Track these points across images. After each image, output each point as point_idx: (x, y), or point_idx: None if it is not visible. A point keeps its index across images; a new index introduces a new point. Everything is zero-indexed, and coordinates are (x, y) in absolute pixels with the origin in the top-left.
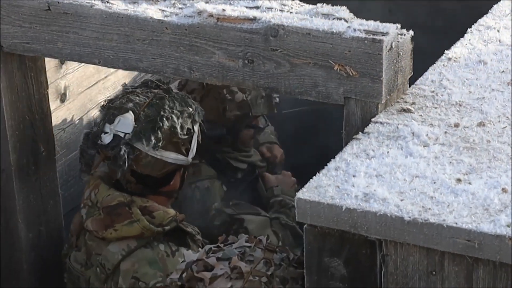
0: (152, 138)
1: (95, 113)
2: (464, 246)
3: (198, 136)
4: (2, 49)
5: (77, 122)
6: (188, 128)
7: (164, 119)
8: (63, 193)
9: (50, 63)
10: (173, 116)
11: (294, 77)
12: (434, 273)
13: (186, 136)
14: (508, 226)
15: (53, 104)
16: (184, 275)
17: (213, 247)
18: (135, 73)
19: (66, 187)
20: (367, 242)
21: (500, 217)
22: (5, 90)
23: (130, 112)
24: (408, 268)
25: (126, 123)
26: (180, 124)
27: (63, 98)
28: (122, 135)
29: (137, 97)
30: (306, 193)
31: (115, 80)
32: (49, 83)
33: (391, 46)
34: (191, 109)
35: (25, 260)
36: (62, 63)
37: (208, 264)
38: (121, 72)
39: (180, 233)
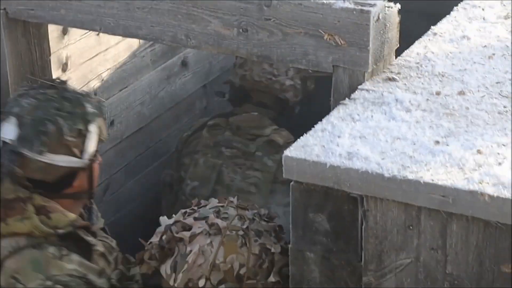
0: (37, 142)
1: (95, 83)
2: (439, 202)
3: (100, 135)
4: (7, 15)
5: None
6: (79, 129)
7: (48, 122)
8: None
9: (52, 33)
10: (59, 118)
11: (286, 45)
12: (411, 227)
13: (75, 138)
14: (480, 183)
15: (55, 73)
16: (164, 237)
17: (188, 210)
18: (135, 47)
19: None
20: (350, 198)
21: (474, 175)
22: (10, 55)
23: (12, 117)
24: (387, 222)
25: (9, 129)
26: (68, 125)
27: (64, 67)
28: (8, 141)
29: (25, 100)
30: (293, 151)
31: (115, 52)
32: (51, 52)
33: (378, 17)
34: (85, 109)
35: None
36: (64, 33)
37: (186, 224)
38: (121, 45)
39: (83, 242)
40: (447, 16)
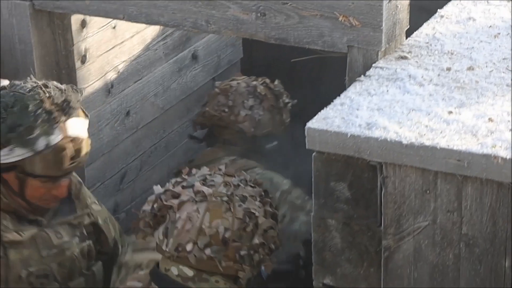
0: None
1: (111, 75)
2: (455, 166)
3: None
4: (33, 6)
5: (95, 83)
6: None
7: None
8: None
9: (72, 26)
10: None
11: (302, 28)
12: (428, 191)
13: None
14: (493, 147)
15: (76, 64)
16: (155, 205)
17: (178, 179)
18: (148, 40)
19: None
20: (369, 166)
21: (487, 141)
22: (36, 44)
23: None
24: (405, 188)
25: None
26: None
27: (83, 59)
28: None
29: None
30: (315, 123)
31: (130, 45)
32: None
33: None
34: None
35: None
36: (83, 26)
37: (175, 192)
38: (135, 39)
39: None
40: (452, 0)
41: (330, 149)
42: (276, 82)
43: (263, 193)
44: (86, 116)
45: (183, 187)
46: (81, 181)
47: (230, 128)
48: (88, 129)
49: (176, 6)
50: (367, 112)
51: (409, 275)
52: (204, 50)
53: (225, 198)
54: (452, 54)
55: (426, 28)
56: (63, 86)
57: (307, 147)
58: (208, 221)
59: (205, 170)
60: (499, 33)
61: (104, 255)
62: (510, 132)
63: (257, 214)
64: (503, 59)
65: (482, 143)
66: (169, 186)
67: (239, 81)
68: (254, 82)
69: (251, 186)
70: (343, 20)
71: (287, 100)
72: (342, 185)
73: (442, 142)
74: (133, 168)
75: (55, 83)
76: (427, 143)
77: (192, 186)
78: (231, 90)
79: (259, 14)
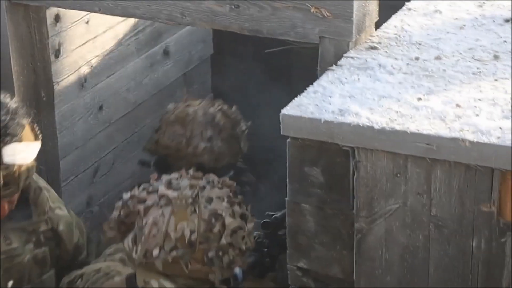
0: None
1: (85, 70)
2: (424, 149)
3: None
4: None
5: (69, 77)
6: None
7: None
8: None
9: (47, 21)
10: None
11: (275, 19)
12: (398, 175)
13: None
14: (461, 131)
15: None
16: (121, 211)
17: (143, 184)
18: (120, 35)
19: (59, 137)
20: (342, 152)
21: (455, 125)
22: (12, 37)
23: None
24: (377, 171)
25: None
26: None
27: (57, 54)
28: None
29: None
30: (289, 110)
31: (102, 40)
32: None
33: None
34: None
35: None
36: (56, 21)
37: (141, 198)
38: (108, 34)
39: None
40: None
41: (304, 135)
42: (234, 108)
43: (231, 194)
44: (36, 137)
45: (148, 192)
46: (42, 186)
47: (187, 160)
48: (59, 126)
49: None
50: (339, 99)
51: (380, 257)
52: (175, 46)
53: (190, 201)
54: (420, 44)
55: (395, 20)
56: (10, 106)
57: (281, 133)
58: (173, 224)
59: (175, 176)
60: (464, 25)
61: (64, 261)
62: (477, 117)
63: (223, 214)
64: (469, 49)
65: (450, 127)
66: (135, 191)
67: (195, 108)
68: (211, 109)
69: (218, 188)
70: (315, 11)
71: (244, 127)
72: (316, 170)
73: (412, 127)
74: (106, 162)
75: (5, 100)
76: (398, 128)
77: (157, 190)
78: (188, 119)
79: (233, 6)
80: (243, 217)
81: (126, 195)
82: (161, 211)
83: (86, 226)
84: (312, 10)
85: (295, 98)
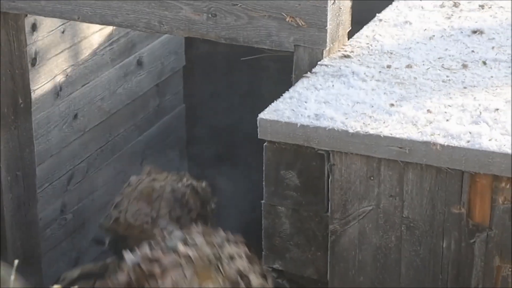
0: None
1: (60, 78)
2: (397, 153)
3: None
4: None
5: (45, 85)
6: None
7: None
8: None
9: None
10: None
11: (251, 28)
12: (372, 177)
13: None
14: (432, 135)
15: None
16: (131, 274)
17: (153, 242)
18: (95, 45)
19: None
20: (317, 155)
21: (426, 130)
22: None
23: None
24: (351, 174)
25: None
26: None
27: (34, 62)
28: None
29: None
30: (266, 114)
31: (78, 50)
32: None
33: (334, 1)
34: None
35: (5, 200)
36: (33, 30)
37: (155, 258)
38: (83, 43)
39: None
40: (390, 5)
41: (280, 138)
42: (204, 184)
43: (247, 251)
44: None
45: (163, 251)
46: None
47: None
48: (35, 133)
49: (129, 7)
50: (315, 105)
51: (354, 258)
52: (148, 57)
53: (212, 259)
54: (391, 53)
55: (366, 31)
56: None
57: (259, 137)
58: (197, 284)
59: (178, 232)
60: (433, 35)
61: None
62: (447, 122)
63: (248, 273)
64: (438, 58)
65: (422, 131)
66: (145, 250)
67: (162, 183)
68: (180, 185)
69: (235, 245)
70: (290, 20)
71: (213, 205)
72: (292, 173)
73: (385, 131)
74: (80, 170)
75: None
76: (371, 131)
77: (174, 249)
78: (154, 196)
79: (210, 15)
80: (263, 276)
81: (131, 257)
82: (183, 271)
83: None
84: (287, 19)
85: (272, 104)
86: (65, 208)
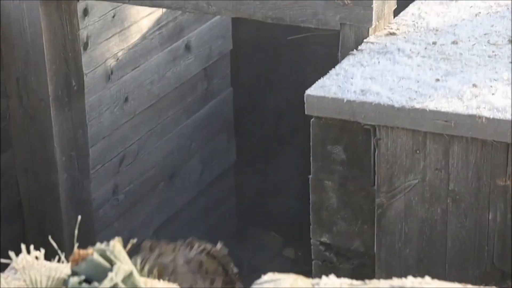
0: None
1: (111, 62)
2: (442, 126)
3: None
4: None
5: (97, 69)
6: None
7: None
8: None
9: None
10: None
11: (297, 7)
12: (418, 151)
13: None
14: (477, 108)
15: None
16: None
17: None
18: (144, 30)
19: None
20: (363, 130)
21: (472, 103)
22: (45, 29)
23: None
24: (397, 148)
25: None
26: None
27: (85, 46)
28: None
29: None
30: (313, 91)
31: (128, 34)
32: None
33: None
34: None
35: (60, 179)
36: (85, 15)
37: None
38: (133, 28)
39: None
40: None
41: (327, 114)
42: (218, 245)
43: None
44: None
45: None
46: None
47: None
48: (88, 115)
49: None
50: (360, 81)
51: (400, 231)
52: (196, 41)
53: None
54: (437, 30)
55: (412, 9)
56: None
57: (306, 113)
58: None
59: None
60: (480, 12)
61: None
62: (493, 95)
63: None
64: (484, 34)
65: (467, 105)
66: None
67: (171, 256)
68: (192, 253)
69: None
70: None
71: (235, 269)
72: (338, 148)
73: (431, 105)
74: (131, 152)
75: None
76: (417, 106)
77: None
78: (165, 274)
79: None
80: None
81: None
82: None
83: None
84: None
85: (318, 80)
86: (117, 189)
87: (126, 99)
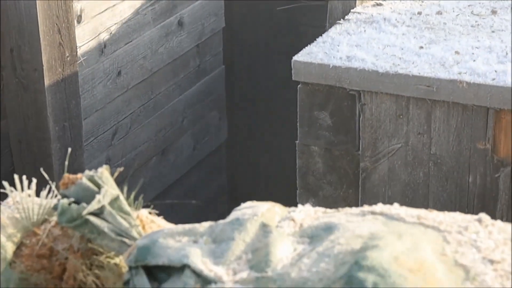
0: None
1: (104, 36)
2: (425, 91)
3: None
4: None
5: (90, 42)
6: None
7: None
8: None
9: None
10: None
11: None
12: (401, 116)
13: None
14: (459, 73)
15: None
16: None
17: None
18: (138, 5)
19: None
20: (349, 96)
21: (453, 69)
22: None
23: None
24: (381, 113)
25: None
26: None
27: (79, 19)
28: None
29: None
30: (300, 57)
31: (121, 8)
32: None
33: None
34: None
35: (53, 149)
36: None
37: None
38: (126, 3)
39: None
40: None
41: (313, 79)
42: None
43: None
44: None
45: None
46: None
47: None
48: (81, 88)
49: None
50: (347, 48)
51: (383, 194)
52: (189, 18)
53: None
54: (422, 1)
55: None
56: None
57: (293, 79)
58: None
59: None
60: None
61: None
62: (474, 62)
63: None
64: (468, 5)
65: (449, 71)
66: None
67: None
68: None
69: None
70: None
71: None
72: (324, 114)
73: (414, 70)
74: (123, 125)
75: None
76: (401, 71)
77: None
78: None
79: None
80: None
81: None
82: None
83: None
84: None
85: (305, 47)
86: (110, 162)
87: (119, 73)
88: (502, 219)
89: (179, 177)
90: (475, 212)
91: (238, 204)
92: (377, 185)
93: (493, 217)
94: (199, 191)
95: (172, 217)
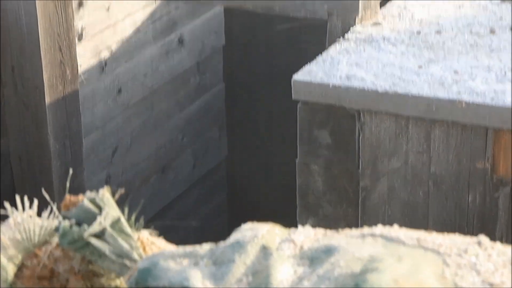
0: None
1: (105, 54)
2: (424, 110)
3: None
4: None
5: (91, 60)
6: None
7: None
8: None
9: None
10: None
11: None
12: (400, 135)
13: None
14: (458, 93)
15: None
16: None
17: None
18: (139, 23)
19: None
20: (348, 115)
21: (453, 89)
22: (40, 17)
23: None
24: (381, 132)
25: None
26: None
27: (80, 37)
28: None
29: None
30: (300, 76)
31: (122, 27)
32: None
33: None
34: None
35: (53, 166)
36: (79, 6)
37: None
38: (127, 20)
39: None
40: None
41: (313, 98)
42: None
43: None
44: None
45: None
46: None
47: None
48: (81, 106)
49: None
50: (346, 67)
51: (383, 213)
52: (189, 36)
53: None
54: (421, 21)
55: (397, 1)
56: None
57: (293, 98)
58: None
59: None
60: (463, 4)
61: None
62: (473, 81)
63: None
64: (467, 24)
65: (448, 90)
66: None
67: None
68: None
69: None
70: None
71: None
72: (324, 133)
73: (413, 90)
74: (123, 143)
75: None
76: (400, 91)
77: None
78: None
79: None
80: None
81: None
82: None
83: None
84: None
85: (305, 66)
86: (110, 179)
87: (120, 91)
88: (501, 239)
89: (179, 194)
90: (474, 231)
91: (238, 222)
92: (377, 204)
93: (493, 236)
94: (199, 208)
95: (172, 235)
